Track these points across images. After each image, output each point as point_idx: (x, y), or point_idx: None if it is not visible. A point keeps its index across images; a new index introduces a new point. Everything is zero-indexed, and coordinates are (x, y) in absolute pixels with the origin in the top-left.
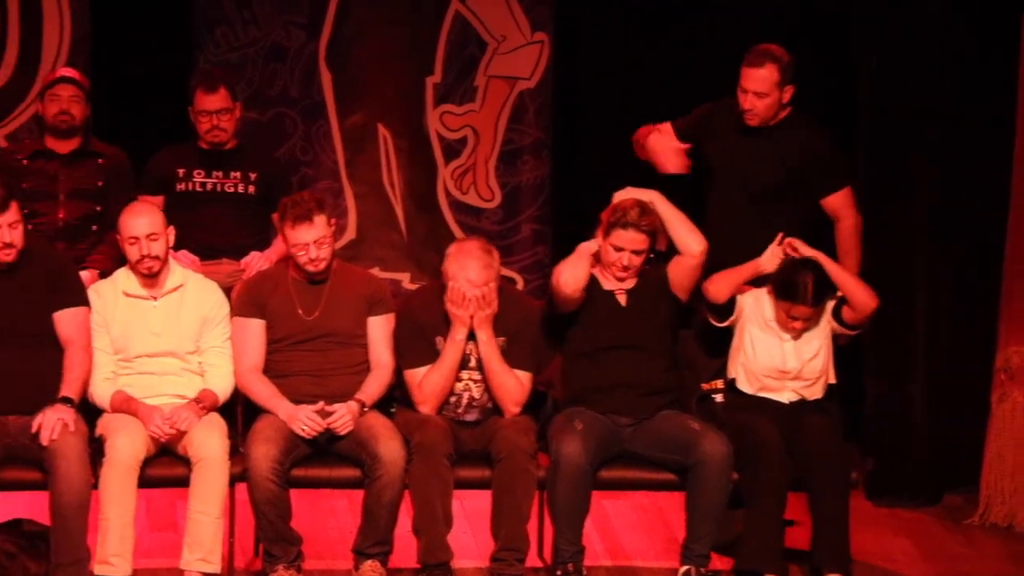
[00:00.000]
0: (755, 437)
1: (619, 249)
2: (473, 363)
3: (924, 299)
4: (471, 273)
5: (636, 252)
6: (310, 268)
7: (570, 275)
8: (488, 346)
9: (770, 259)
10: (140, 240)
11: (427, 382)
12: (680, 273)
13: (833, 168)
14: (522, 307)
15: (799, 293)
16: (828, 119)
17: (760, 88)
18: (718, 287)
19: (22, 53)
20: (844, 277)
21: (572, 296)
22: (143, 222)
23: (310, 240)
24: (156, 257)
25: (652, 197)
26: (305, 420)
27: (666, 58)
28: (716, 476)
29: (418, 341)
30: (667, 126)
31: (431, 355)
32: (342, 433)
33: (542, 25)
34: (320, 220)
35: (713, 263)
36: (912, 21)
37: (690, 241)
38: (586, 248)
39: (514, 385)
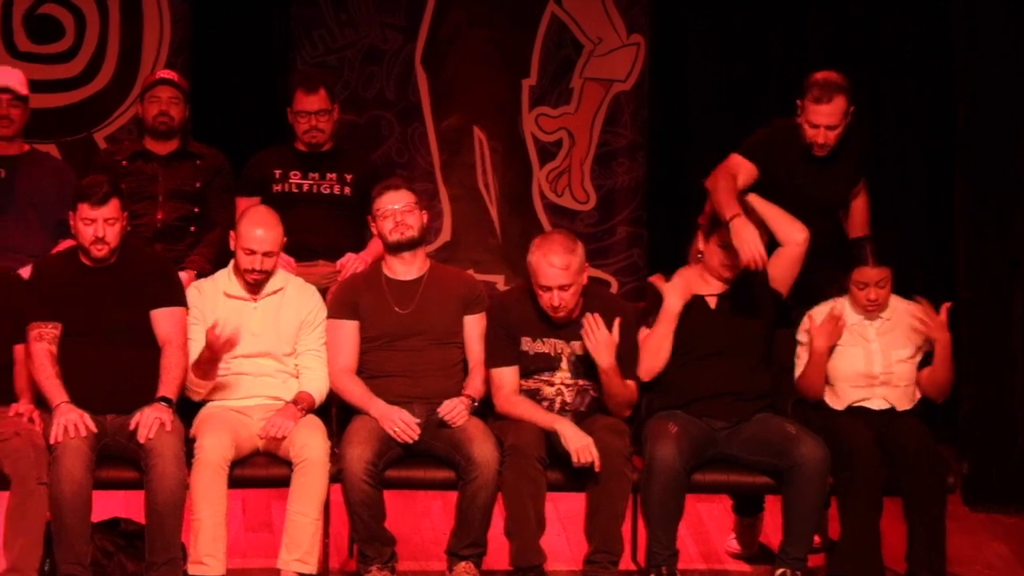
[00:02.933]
0: (849, 441)
1: (727, 246)
2: (565, 366)
3: (1021, 301)
4: (555, 258)
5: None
6: (395, 235)
7: (654, 364)
8: (608, 375)
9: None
10: (257, 255)
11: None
12: (782, 265)
13: (871, 155)
14: (618, 311)
15: (862, 255)
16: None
17: (831, 122)
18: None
19: (122, 55)
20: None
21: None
22: (267, 237)
23: (397, 206)
24: (266, 272)
25: (746, 196)
26: (397, 421)
27: (762, 59)
28: (813, 480)
29: (504, 341)
30: (737, 160)
31: (516, 356)
32: (456, 424)
33: (638, 27)
34: (407, 192)
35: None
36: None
37: (791, 231)
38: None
39: (627, 392)
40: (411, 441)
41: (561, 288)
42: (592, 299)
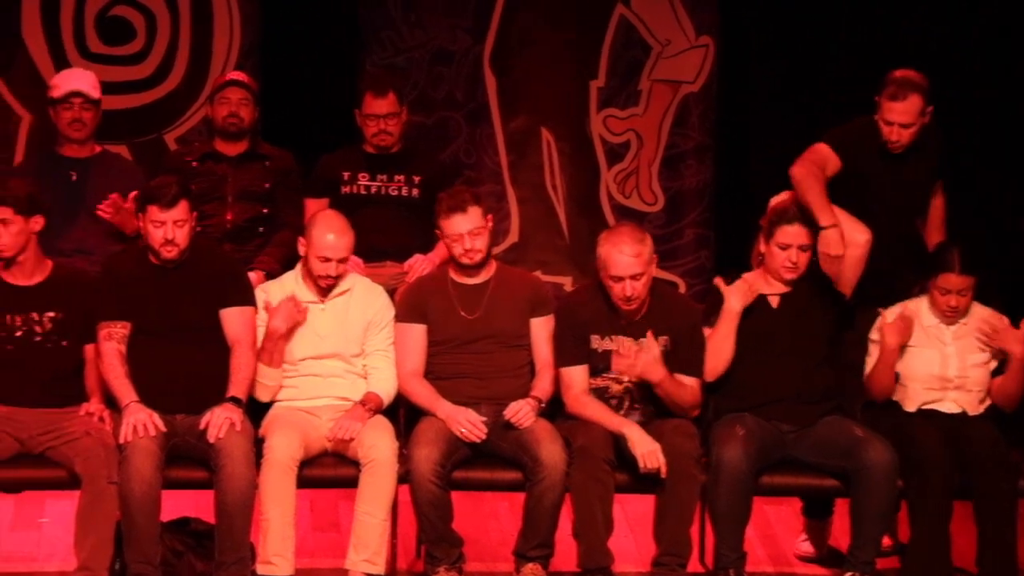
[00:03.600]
0: (919, 445)
1: (785, 247)
2: None
3: None
4: (625, 247)
5: (802, 248)
6: (465, 260)
7: (716, 364)
8: (663, 387)
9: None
10: (332, 262)
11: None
12: (845, 266)
13: (946, 158)
14: (684, 309)
15: (947, 261)
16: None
17: (905, 120)
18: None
19: (193, 57)
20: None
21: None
22: (340, 244)
23: (464, 231)
24: (336, 278)
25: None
26: (464, 422)
27: (831, 60)
28: (881, 483)
29: (573, 340)
30: (824, 150)
31: (585, 355)
32: (523, 426)
33: (707, 28)
34: (475, 211)
35: None
36: None
37: (854, 232)
38: (729, 314)
39: (688, 395)
40: (478, 441)
41: (633, 278)
42: (659, 298)
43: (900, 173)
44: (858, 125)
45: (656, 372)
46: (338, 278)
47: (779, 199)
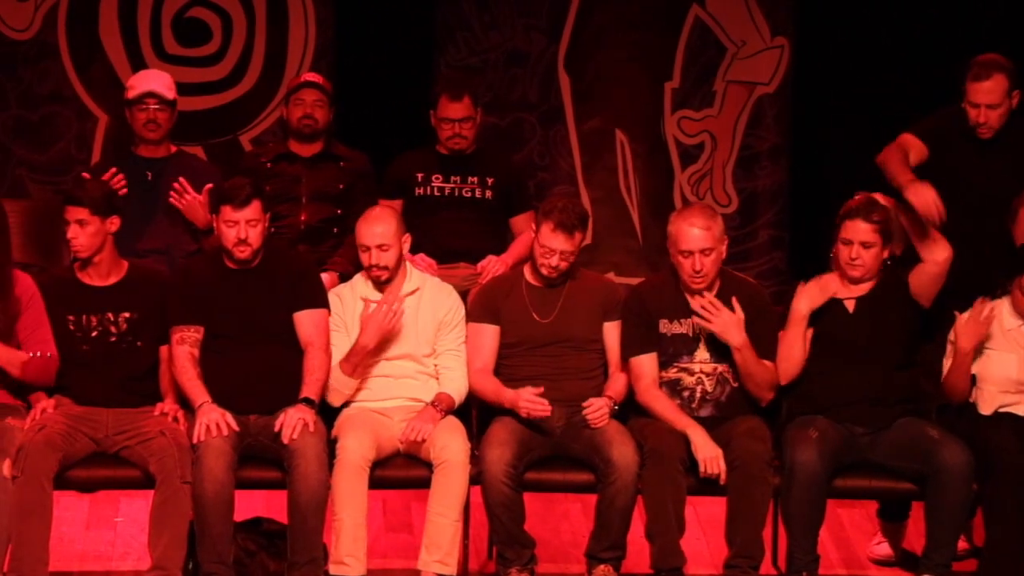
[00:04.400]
0: (995, 448)
1: (847, 242)
2: (703, 347)
3: None
4: (695, 220)
5: (864, 244)
6: (544, 272)
7: (787, 367)
8: (742, 353)
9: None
10: (371, 250)
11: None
12: (922, 281)
13: None
14: (754, 293)
15: None
16: None
17: (991, 100)
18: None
19: (268, 58)
20: None
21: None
22: (376, 231)
23: (560, 248)
24: (385, 267)
25: (892, 203)
26: (525, 404)
27: (907, 60)
28: (957, 485)
29: (640, 328)
30: (909, 138)
31: (653, 342)
32: (599, 425)
33: (782, 29)
34: (577, 237)
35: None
36: None
37: (934, 248)
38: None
39: (766, 373)
40: (545, 415)
41: (703, 252)
42: (729, 281)
43: (991, 163)
44: (945, 113)
45: (737, 335)
46: (385, 268)
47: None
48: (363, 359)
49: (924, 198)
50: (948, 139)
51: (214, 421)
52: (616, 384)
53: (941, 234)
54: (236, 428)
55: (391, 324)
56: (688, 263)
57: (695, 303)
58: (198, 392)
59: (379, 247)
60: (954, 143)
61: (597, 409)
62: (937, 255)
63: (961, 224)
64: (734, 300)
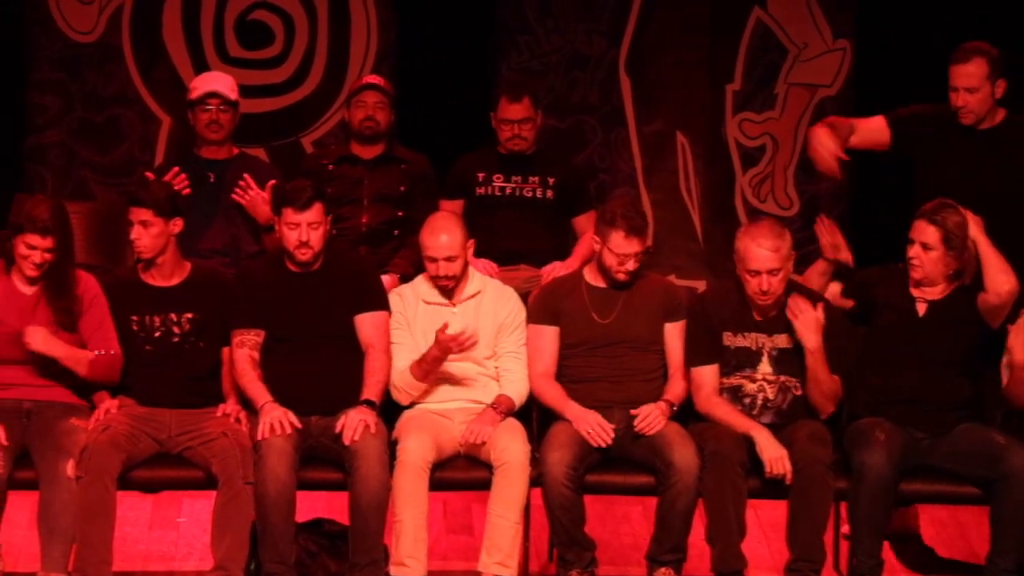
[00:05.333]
0: None
1: (911, 241)
2: (766, 361)
3: None
4: (764, 241)
5: (925, 246)
6: (620, 278)
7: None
8: (815, 357)
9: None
10: (439, 261)
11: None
12: (986, 308)
13: None
14: (826, 306)
15: None
16: None
17: (970, 84)
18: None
19: (330, 61)
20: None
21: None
22: (442, 242)
23: (629, 252)
24: (452, 278)
25: (971, 221)
26: (593, 424)
27: None
28: None
29: (704, 339)
30: (875, 120)
31: (716, 353)
32: (650, 433)
33: (844, 32)
34: (644, 239)
35: None
36: None
37: (998, 279)
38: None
39: (832, 383)
40: (604, 446)
41: (770, 272)
42: (797, 292)
43: (990, 161)
44: (932, 105)
45: (815, 338)
46: (452, 278)
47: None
48: (433, 368)
49: (822, 142)
50: (929, 127)
51: (277, 419)
52: (675, 387)
53: (1009, 265)
54: (299, 426)
55: (466, 349)
56: (755, 282)
57: (775, 311)
58: (260, 393)
59: (446, 259)
60: (937, 132)
61: (647, 416)
62: (1000, 286)
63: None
64: (819, 306)
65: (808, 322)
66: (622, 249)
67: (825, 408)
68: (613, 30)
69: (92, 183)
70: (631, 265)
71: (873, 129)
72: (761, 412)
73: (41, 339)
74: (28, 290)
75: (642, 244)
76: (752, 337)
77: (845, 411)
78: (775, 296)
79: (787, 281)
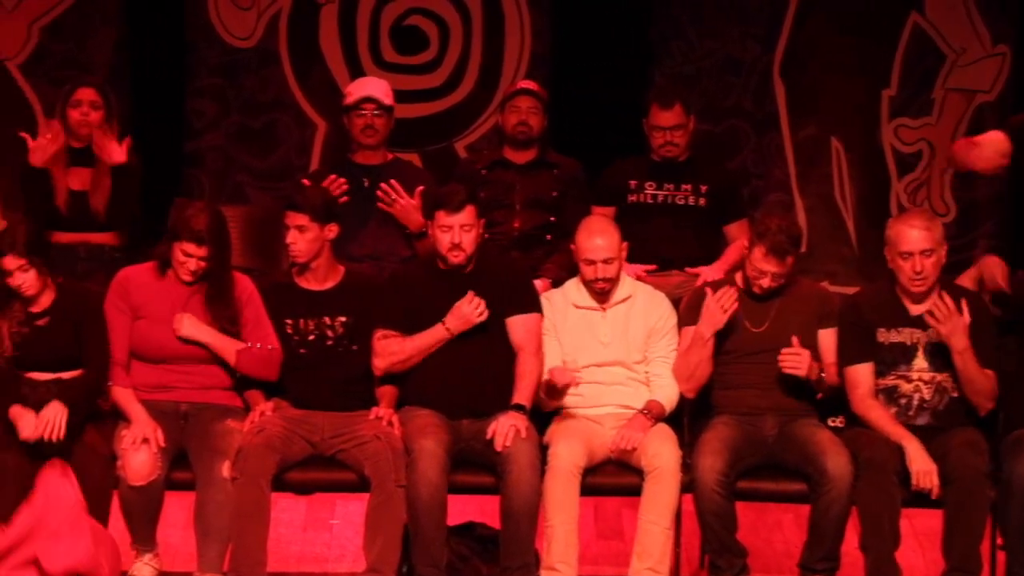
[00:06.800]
0: None
1: None
2: (921, 356)
3: None
4: (916, 221)
5: None
6: (756, 291)
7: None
8: (963, 357)
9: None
10: (597, 264)
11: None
12: None
13: None
14: (973, 301)
15: None
16: None
17: None
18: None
19: (484, 66)
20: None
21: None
22: (599, 244)
23: (770, 271)
24: (609, 280)
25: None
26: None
27: None
28: None
29: (856, 337)
30: (995, 132)
31: (870, 351)
32: (791, 372)
33: (1004, 37)
34: (789, 260)
35: None
36: None
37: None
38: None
39: (988, 381)
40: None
41: (923, 253)
42: (948, 288)
43: None
44: None
45: (962, 339)
46: (610, 281)
47: None
48: (558, 395)
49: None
50: None
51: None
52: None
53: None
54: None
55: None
56: (908, 265)
57: (929, 303)
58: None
59: (604, 261)
60: None
61: (794, 352)
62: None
63: None
64: (963, 303)
65: (955, 326)
66: (759, 264)
67: (983, 405)
68: (767, 35)
69: (248, 187)
70: (766, 282)
71: (993, 141)
72: (917, 413)
73: (190, 324)
74: (182, 290)
75: (780, 266)
76: (907, 332)
77: (1001, 419)
78: (929, 281)
79: (938, 274)
